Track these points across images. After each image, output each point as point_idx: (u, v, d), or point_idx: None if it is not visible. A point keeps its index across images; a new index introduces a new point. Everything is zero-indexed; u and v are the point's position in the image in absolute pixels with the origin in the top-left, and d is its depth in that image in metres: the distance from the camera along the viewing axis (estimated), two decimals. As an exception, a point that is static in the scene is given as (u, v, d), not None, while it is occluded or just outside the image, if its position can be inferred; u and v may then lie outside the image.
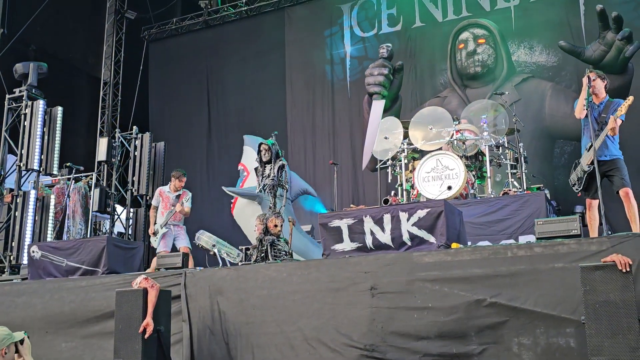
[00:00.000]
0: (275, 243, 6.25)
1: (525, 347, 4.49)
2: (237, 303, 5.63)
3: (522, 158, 8.15)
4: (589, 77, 5.65)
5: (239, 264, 6.61)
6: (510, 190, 7.69)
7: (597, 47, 9.54)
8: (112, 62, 13.56)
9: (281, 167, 6.54)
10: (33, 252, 7.25)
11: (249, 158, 9.10)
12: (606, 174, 5.64)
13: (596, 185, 5.43)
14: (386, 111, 9.81)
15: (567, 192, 9.12)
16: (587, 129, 5.72)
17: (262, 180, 6.54)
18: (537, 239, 5.10)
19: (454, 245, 5.22)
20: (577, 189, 5.90)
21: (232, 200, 9.35)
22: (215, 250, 6.71)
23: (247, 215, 8.59)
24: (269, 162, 6.58)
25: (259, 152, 6.65)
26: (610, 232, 5.37)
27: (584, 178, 5.73)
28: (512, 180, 8.04)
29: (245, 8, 13.66)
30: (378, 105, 9.63)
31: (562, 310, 4.40)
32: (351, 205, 9.15)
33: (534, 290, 4.55)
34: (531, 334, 4.49)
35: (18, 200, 8.85)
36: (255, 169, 6.67)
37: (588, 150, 5.69)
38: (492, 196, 7.54)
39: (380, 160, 8.89)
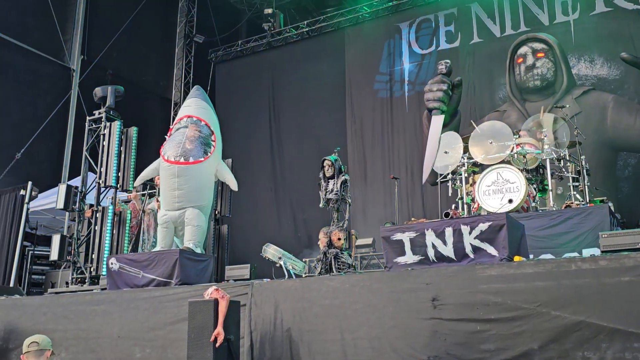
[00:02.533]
0: (338, 256, 6.38)
1: (591, 361, 4.40)
2: (300, 312, 5.73)
3: (585, 171, 8.00)
4: None
5: (304, 276, 6.80)
6: (572, 203, 7.56)
7: (660, 58, 9.28)
8: (182, 84, 14.27)
9: (344, 182, 6.69)
10: (112, 264, 7.54)
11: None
12: None
13: None
14: (445, 126, 9.81)
15: (632, 205, 8.91)
16: None
17: (325, 195, 6.74)
18: (602, 252, 5.03)
19: (516, 258, 5.20)
20: None
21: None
22: (281, 263, 6.89)
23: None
24: (332, 177, 6.77)
25: (322, 167, 6.86)
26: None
27: None
28: (575, 193, 7.90)
29: (307, 29, 14.06)
30: (437, 120, 9.62)
31: (629, 325, 4.30)
32: (412, 219, 9.21)
33: (599, 304, 4.45)
34: (597, 348, 4.38)
35: (97, 215, 9.24)
36: (319, 184, 6.87)
37: None
38: (554, 209, 7.45)
39: (441, 175, 8.94)
